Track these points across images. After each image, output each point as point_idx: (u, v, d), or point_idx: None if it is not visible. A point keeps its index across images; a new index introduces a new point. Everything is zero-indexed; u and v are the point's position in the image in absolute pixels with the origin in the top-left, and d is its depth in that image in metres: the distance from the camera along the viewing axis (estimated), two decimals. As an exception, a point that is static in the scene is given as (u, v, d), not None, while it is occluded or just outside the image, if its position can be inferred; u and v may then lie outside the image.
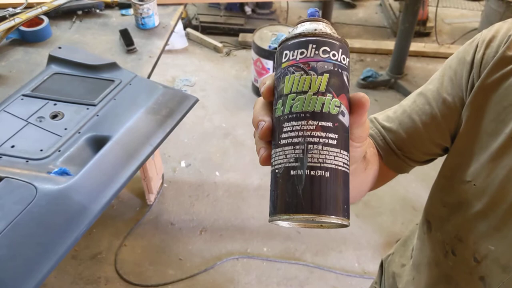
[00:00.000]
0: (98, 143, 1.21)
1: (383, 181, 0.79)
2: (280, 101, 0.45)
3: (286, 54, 0.46)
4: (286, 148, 0.43)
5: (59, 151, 1.18)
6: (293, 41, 0.46)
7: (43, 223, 1.01)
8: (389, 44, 3.47)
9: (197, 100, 1.39)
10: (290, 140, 0.43)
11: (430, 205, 0.78)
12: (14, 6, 1.79)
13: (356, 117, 0.46)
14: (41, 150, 1.17)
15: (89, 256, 2.14)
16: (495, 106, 0.63)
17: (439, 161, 0.75)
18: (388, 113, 0.78)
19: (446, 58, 0.74)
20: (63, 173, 1.11)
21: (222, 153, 2.71)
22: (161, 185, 2.47)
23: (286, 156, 0.43)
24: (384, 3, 4.03)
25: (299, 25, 0.48)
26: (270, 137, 0.46)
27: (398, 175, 0.80)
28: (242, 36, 3.64)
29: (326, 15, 3.73)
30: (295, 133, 0.43)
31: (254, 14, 3.74)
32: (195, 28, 3.71)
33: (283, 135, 0.44)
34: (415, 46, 3.40)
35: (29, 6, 1.78)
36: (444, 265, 0.74)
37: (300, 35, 0.46)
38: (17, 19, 1.65)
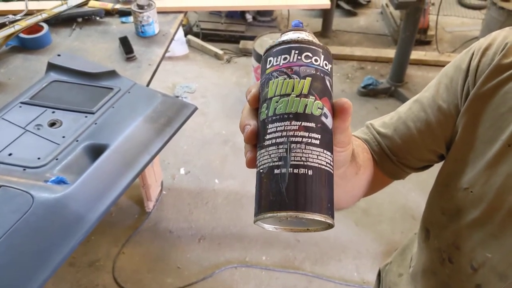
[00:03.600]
0: (96, 151, 1.21)
1: (378, 187, 0.79)
2: (265, 104, 0.47)
3: (270, 61, 0.48)
4: (270, 148, 0.45)
5: (57, 159, 1.17)
6: (276, 48, 0.48)
7: (39, 232, 1.00)
8: (390, 52, 3.47)
9: (195, 109, 1.38)
10: (274, 141, 0.45)
11: (429, 213, 0.77)
12: (14, 13, 1.79)
13: (340, 122, 0.47)
14: (39, 158, 1.17)
15: (87, 263, 2.13)
16: (491, 113, 0.63)
17: (438, 169, 0.75)
18: (384, 119, 0.79)
19: (447, 66, 0.74)
20: (60, 181, 1.11)
21: (221, 160, 2.70)
22: (160, 192, 2.46)
23: (270, 156, 0.44)
24: (385, 11, 4.04)
25: (283, 35, 0.50)
26: (255, 140, 0.47)
27: (393, 181, 0.80)
28: (242, 43, 3.64)
29: (327, 23, 3.74)
30: (279, 134, 0.44)
31: (255, 22, 3.75)
32: (196, 35, 3.72)
33: (267, 136, 0.45)
34: (416, 54, 3.40)
35: (29, 13, 1.78)
36: (441, 273, 0.73)
37: (284, 42, 0.48)
38: (17, 26, 1.65)
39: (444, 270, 0.71)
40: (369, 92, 3.19)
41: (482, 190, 0.63)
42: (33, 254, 0.97)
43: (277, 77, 0.46)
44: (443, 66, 0.75)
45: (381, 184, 0.79)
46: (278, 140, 0.44)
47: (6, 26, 1.66)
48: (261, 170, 0.45)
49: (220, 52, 3.56)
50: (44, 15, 1.74)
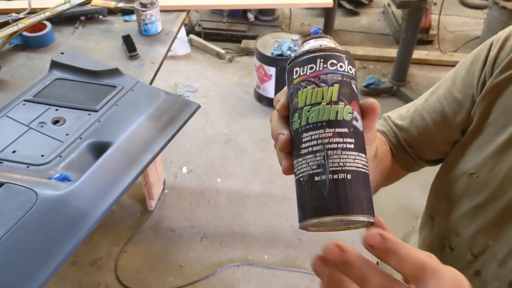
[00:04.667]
0: (99, 149, 1.21)
1: (394, 179, 0.81)
2: (296, 114, 0.48)
3: (296, 71, 0.49)
4: (308, 156, 0.46)
5: (60, 156, 1.17)
6: (301, 58, 0.49)
7: (42, 230, 1.00)
8: (392, 52, 3.47)
9: (198, 107, 1.38)
10: (310, 149, 0.46)
11: (433, 200, 0.79)
12: (17, 11, 1.79)
13: (368, 122, 0.49)
14: (42, 156, 1.17)
15: (89, 262, 2.13)
16: (505, 101, 0.64)
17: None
18: (401, 111, 0.80)
19: (449, 66, 0.76)
20: (63, 179, 1.11)
21: (223, 160, 2.71)
22: (162, 191, 2.47)
23: (308, 164, 0.45)
24: (387, 10, 4.04)
25: (305, 43, 0.51)
26: (290, 149, 0.48)
27: (408, 173, 0.82)
28: (244, 43, 3.65)
29: (329, 22, 3.73)
30: (315, 142, 0.46)
31: (257, 21, 3.75)
32: (198, 34, 3.72)
33: (303, 145, 0.46)
34: (418, 53, 3.39)
35: (32, 12, 1.78)
36: (440, 261, 0.74)
37: (308, 52, 0.48)
38: (20, 25, 1.65)
39: (444, 257, 0.72)
40: (371, 91, 3.19)
41: (488, 176, 0.64)
42: (35, 252, 0.97)
43: (305, 87, 0.47)
44: (445, 65, 0.77)
45: (396, 176, 0.81)
46: (314, 148, 0.45)
47: (9, 24, 1.66)
48: (301, 178, 0.46)
49: (222, 51, 3.56)
50: (47, 14, 1.75)
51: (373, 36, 3.87)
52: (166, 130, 1.29)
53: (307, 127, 0.46)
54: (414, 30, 2.90)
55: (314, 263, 0.43)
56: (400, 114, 0.79)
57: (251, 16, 3.71)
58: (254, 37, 3.36)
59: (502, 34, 0.67)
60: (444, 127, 0.73)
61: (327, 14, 3.68)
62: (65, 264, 0.98)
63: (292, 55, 0.51)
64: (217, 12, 3.76)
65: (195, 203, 2.44)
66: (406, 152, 0.77)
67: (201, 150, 2.76)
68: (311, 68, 0.47)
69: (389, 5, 3.98)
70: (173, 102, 1.37)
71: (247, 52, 3.61)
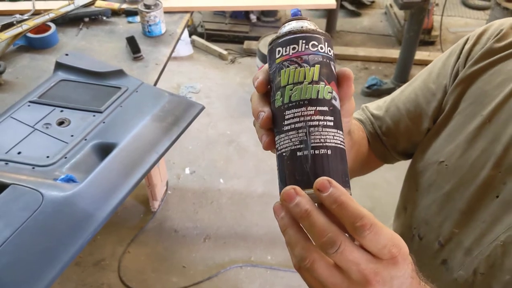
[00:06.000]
0: (104, 150, 1.21)
1: (370, 168, 0.84)
2: (279, 92, 0.50)
3: (279, 51, 0.51)
4: (290, 133, 0.48)
5: (65, 157, 1.18)
6: (284, 39, 0.51)
7: (48, 230, 1.01)
8: (394, 53, 3.47)
9: (203, 108, 1.39)
10: (293, 126, 0.48)
11: (406, 190, 0.80)
12: (22, 12, 1.80)
13: (346, 90, 0.50)
14: (48, 157, 1.17)
15: (93, 262, 2.14)
16: (476, 90, 0.66)
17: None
18: (379, 102, 0.83)
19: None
20: (69, 180, 1.11)
21: (226, 160, 2.71)
22: (165, 192, 2.47)
23: (291, 140, 0.48)
24: (389, 11, 4.04)
25: (286, 24, 0.53)
26: (270, 125, 0.50)
27: (383, 164, 0.84)
28: (247, 44, 3.65)
29: (331, 23, 3.75)
30: (297, 119, 0.48)
31: (259, 22, 3.75)
32: (200, 35, 3.73)
33: (286, 122, 0.48)
34: (420, 54, 3.40)
35: (37, 13, 1.79)
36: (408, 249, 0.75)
37: (290, 32, 0.50)
38: (25, 26, 1.66)
39: (412, 246, 0.73)
40: (373, 92, 3.19)
41: (456, 163, 0.66)
42: (41, 252, 0.97)
43: (288, 66, 0.49)
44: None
45: (372, 165, 0.84)
46: (297, 125, 0.47)
47: (14, 25, 1.66)
48: (283, 153, 0.48)
49: (224, 52, 3.57)
50: (51, 15, 1.75)
51: (375, 37, 3.87)
52: (171, 131, 1.29)
53: (290, 105, 0.48)
54: (416, 31, 2.90)
55: (274, 205, 0.46)
56: (377, 105, 0.82)
57: (253, 17, 3.71)
58: (256, 38, 3.37)
59: (478, 30, 0.70)
60: (417, 117, 0.75)
61: (329, 15, 3.69)
62: (69, 265, 0.98)
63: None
64: (220, 13, 3.77)
65: (198, 203, 2.44)
66: (381, 141, 0.79)
67: (204, 151, 2.77)
68: (294, 48, 0.49)
69: (391, 6, 3.99)
70: (178, 103, 1.38)
71: (249, 53, 3.61)
